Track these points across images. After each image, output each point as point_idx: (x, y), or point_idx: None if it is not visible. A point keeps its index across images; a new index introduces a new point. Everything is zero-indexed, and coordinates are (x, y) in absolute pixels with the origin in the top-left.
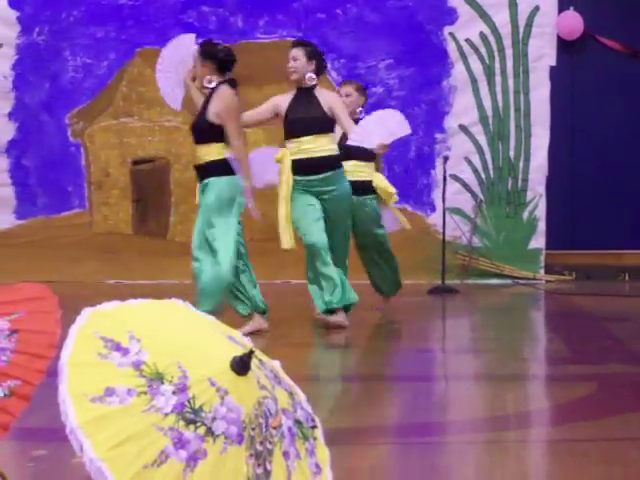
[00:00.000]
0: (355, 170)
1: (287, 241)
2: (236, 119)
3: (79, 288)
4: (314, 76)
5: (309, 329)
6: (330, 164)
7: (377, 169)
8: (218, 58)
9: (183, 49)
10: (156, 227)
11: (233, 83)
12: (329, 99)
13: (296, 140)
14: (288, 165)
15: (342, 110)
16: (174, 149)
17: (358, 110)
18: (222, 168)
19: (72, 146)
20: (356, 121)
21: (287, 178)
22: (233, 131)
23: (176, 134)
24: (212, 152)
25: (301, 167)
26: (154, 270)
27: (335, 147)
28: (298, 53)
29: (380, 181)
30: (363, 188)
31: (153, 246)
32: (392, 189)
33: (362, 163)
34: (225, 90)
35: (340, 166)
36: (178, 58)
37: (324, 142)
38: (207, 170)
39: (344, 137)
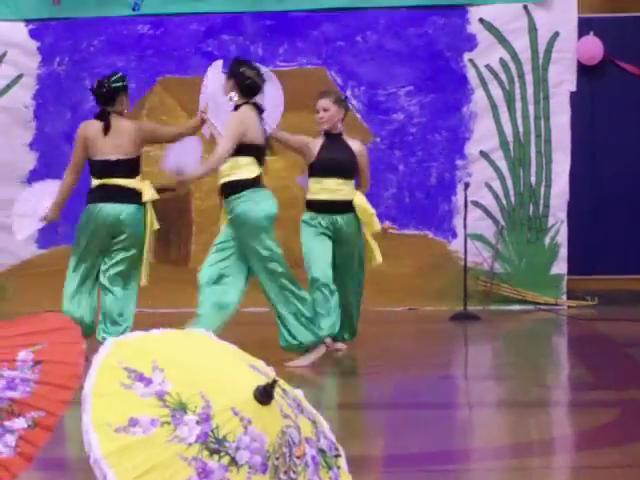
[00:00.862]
0: (335, 188)
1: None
2: (229, 136)
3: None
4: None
5: (330, 357)
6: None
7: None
8: (239, 78)
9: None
10: (177, 255)
11: (257, 107)
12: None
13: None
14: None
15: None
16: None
17: (339, 125)
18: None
19: None
20: (337, 136)
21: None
22: (222, 143)
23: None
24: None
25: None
26: (176, 298)
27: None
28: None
29: (360, 200)
30: (344, 207)
31: (175, 274)
32: (372, 210)
33: (341, 181)
34: (239, 111)
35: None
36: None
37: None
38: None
39: (324, 150)
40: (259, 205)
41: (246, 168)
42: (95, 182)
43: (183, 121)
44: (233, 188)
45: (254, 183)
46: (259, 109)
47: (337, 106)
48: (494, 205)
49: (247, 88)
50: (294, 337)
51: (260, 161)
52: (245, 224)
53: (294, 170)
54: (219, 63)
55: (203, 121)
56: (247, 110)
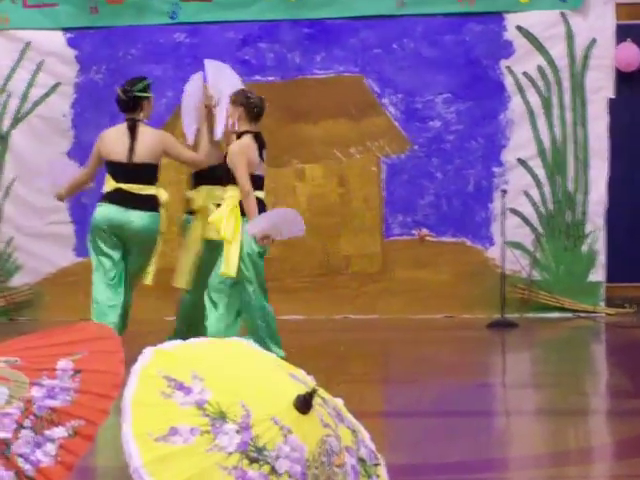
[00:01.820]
0: (208, 195)
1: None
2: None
3: (139, 325)
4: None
5: (368, 364)
6: None
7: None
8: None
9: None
10: None
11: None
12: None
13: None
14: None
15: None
16: None
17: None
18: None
19: None
20: (239, 136)
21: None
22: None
23: None
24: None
25: None
26: None
27: None
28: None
29: (216, 214)
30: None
31: None
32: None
33: (216, 187)
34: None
35: None
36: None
37: None
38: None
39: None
40: None
41: None
42: (110, 184)
43: None
44: None
45: None
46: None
47: (233, 106)
48: (532, 212)
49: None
50: None
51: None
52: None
53: (331, 177)
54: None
55: (211, 113)
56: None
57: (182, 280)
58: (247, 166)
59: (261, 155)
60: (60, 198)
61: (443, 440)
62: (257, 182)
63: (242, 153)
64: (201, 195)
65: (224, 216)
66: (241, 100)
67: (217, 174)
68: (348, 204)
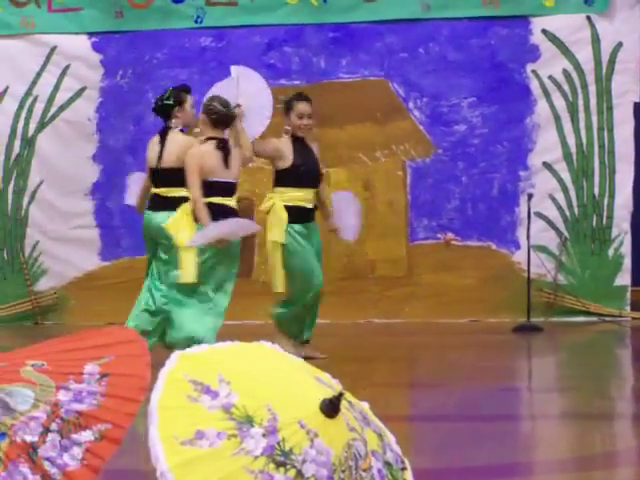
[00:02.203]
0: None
1: (279, 285)
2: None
3: None
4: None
5: (394, 369)
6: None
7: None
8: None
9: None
10: (241, 267)
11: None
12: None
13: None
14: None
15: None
16: (258, 189)
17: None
18: None
19: None
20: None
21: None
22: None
23: (260, 174)
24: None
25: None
26: (239, 310)
27: None
28: (309, 109)
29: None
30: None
31: (238, 286)
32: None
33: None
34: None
35: None
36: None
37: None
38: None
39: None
40: None
41: None
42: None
43: None
44: None
45: None
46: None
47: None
48: (557, 216)
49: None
50: None
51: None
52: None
53: (356, 181)
54: (239, 69)
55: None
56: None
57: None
58: (201, 173)
59: (226, 161)
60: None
61: (468, 444)
62: (217, 188)
63: (194, 159)
64: None
65: (179, 222)
66: (203, 106)
67: None
68: (373, 208)
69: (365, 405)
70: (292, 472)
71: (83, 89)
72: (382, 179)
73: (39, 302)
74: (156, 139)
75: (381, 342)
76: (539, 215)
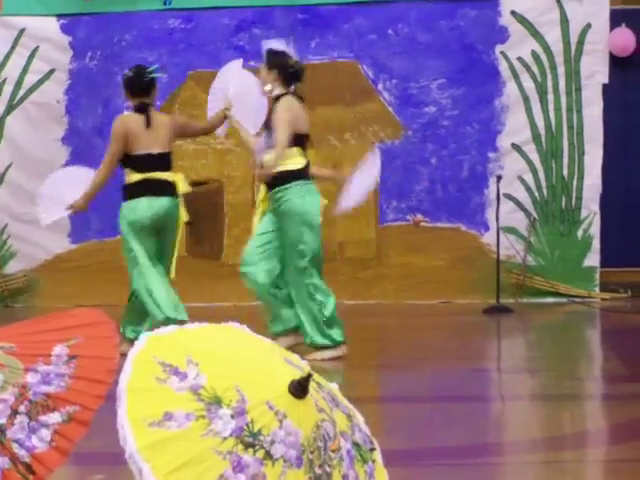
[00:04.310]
0: None
1: None
2: (283, 125)
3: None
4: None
5: (363, 350)
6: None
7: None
8: (282, 69)
9: (229, 76)
10: (210, 249)
11: (299, 96)
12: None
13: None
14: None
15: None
16: (227, 171)
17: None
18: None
19: None
20: None
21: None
22: (279, 133)
23: (229, 156)
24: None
25: None
26: (208, 292)
27: None
28: (261, 67)
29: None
30: None
31: (207, 268)
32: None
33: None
34: (283, 100)
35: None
36: (226, 87)
37: None
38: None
39: None
40: (305, 199)
41: (292, 159)
42: (136, 176)
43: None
44: (280, 179)
45: (301, 175)
46: (300, 98)
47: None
48: (526, 198)
49: (291, 76)
50: (310, 336)
51: (305, 151)
52: (289, 216)
53: (325, 163)
54: (237, 62)
55: (225, 117)
56: (291, 100)
57: None
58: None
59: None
60: (77, 210)
61: (438, 425)
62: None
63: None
64: None
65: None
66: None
67: None
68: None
69: (334, 386)
70: (261, 453)
71: (52, 71)
72: (352, 161)
73: (8, 285)
74: (137, 120)
75: (351, 324)
76: (508, 196)
